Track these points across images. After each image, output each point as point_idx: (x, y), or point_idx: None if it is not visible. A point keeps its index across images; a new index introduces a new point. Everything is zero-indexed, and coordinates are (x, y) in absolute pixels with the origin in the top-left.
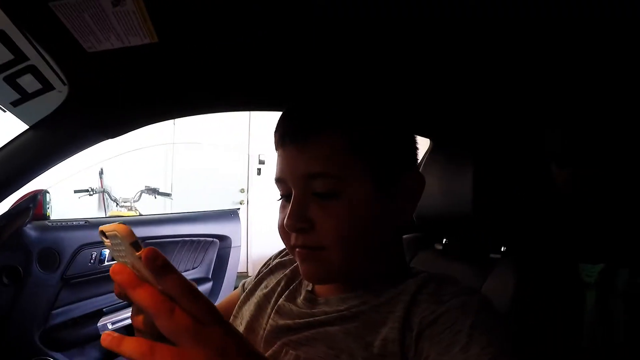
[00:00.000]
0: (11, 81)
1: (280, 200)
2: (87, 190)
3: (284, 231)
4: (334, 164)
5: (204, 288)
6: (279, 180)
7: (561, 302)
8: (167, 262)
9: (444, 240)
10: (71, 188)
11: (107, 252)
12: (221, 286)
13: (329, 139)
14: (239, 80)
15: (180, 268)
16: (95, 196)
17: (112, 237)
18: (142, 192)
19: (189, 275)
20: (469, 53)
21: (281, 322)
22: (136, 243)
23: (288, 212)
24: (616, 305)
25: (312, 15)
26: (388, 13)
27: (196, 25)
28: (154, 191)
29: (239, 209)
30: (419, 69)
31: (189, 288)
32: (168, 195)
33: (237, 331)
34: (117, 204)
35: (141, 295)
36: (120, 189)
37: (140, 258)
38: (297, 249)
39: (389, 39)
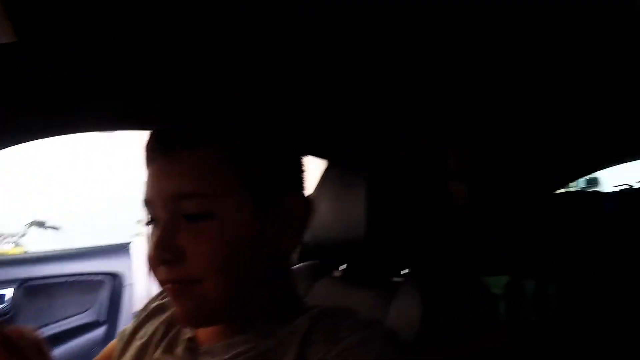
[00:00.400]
0: None
1: (151, 227)
2: None
3: (152, 263)
4: (207, 180)
5: (96, 334)
6: (147, 203)
7: (473, 317)
8: None
9: (343, 266)
10: None
11: None
12: (116, 330)
13: (205, 152)
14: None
15: (69, 312)
16: None
17: None
18: (28, 225)
19: (79, 320)
20: (358, 66)
21: None
22: None
23: (154, 240)
24: (528, 315)
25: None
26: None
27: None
28: (41, 224)
29: (130, 242)
30: (307, 85)
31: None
32: (56, 228)
33: None
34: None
35: None
36: (6, 222)
37: None
38: (167, 285)
39: (275, 54)
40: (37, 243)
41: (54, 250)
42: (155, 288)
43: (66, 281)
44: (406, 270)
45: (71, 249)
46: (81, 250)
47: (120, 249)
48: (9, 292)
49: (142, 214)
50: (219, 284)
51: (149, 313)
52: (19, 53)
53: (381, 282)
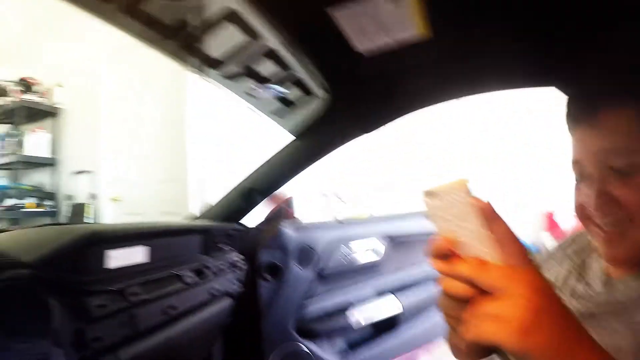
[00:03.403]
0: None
1: (576, 183)
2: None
3: (582, 214)
4: (631, 137)
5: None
6: (574, 163)
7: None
8: (495, 210)
9: None
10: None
11: (355, 249)
12: None
13: (623, 112)
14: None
15: (422, 263)
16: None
17: (443, 195)
18: (369, 192)
19: (429, 271)
20: None
21: (578, 306)
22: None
23: (590, 193)
24: None
25: None
26: None
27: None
28: (381, 190)
29: None
30: None
31: (512, 233)
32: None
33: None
34: (347, 205)
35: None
36: (348, 192)
37: (471, 210)
38: (600, 230)
39: None
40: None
41: (412, 212)
42: None
43: (420, 238)
44: None
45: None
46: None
47: None
48: (380, 245)
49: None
50: None
51: (555, 257)
52: None
53: None
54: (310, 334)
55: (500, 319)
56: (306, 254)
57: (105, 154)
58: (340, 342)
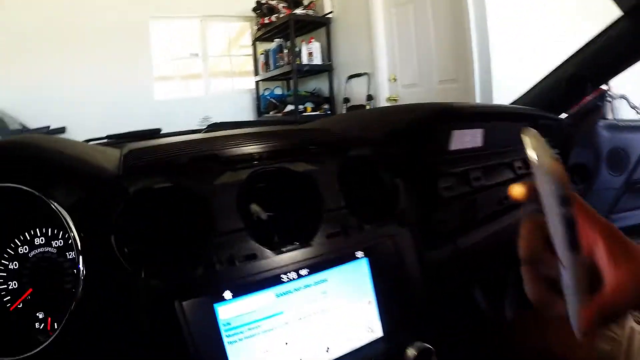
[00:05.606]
0: None
1: None
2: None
3: None
4: None
5: None
6: None
7: None
8: None
9: None
10: None
11: None
12: None
13: None
14: None
15: None
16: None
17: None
18: None
19: None
20: None
21: None
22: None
23: None
24: None
25: None
26: None
27: None
28: None
29: None
30: None
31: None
32: None
33: None
34: (637, 111)
35: None
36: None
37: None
38: None
39: None
40: None
41: None
42: None
43: None
44: None
45: None
46: None
47: None
48: None
49: None
50: None
51: None
52: None
53: None
54: None
55: None
56: (619, 158)
57: (380, 56)
58: None
